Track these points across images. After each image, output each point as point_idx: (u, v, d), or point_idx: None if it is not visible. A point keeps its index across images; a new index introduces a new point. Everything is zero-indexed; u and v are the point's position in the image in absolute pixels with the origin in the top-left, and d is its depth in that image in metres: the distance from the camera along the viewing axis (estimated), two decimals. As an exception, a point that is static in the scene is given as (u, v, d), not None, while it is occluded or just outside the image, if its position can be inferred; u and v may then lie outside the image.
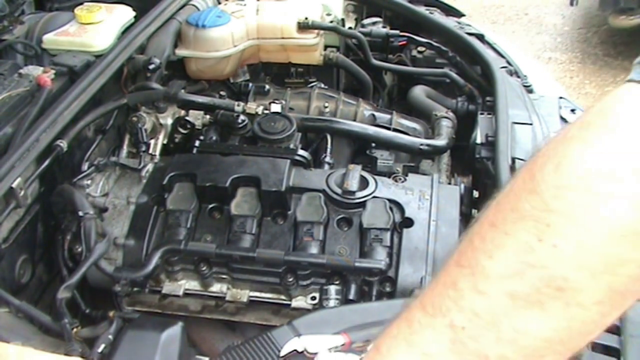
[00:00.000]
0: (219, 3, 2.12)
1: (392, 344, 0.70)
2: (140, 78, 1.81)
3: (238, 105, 1.73)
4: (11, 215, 1.39)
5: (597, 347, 1.15)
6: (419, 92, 2.04)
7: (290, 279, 1.42)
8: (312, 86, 2.14)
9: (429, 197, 1.49)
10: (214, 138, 1.74)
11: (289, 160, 1.54)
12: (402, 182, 1.55)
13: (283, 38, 1.98)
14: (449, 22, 2.26)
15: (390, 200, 1.48)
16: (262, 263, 1.41)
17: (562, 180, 0.62)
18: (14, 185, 1.33)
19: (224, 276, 1.48)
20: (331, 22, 2.13)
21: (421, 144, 1.73)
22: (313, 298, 1.44)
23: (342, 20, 2.32)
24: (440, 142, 1.75)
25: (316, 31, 2.00)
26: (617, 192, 0.61)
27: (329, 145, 1.74)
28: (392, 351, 0.69)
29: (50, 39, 1.80)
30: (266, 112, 1.72)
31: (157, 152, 1.71)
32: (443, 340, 0.65)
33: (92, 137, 1.67)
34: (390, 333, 0.71)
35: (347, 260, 1.38)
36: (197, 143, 1.66)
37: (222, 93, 1.95)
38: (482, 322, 0.64)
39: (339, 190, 1.49)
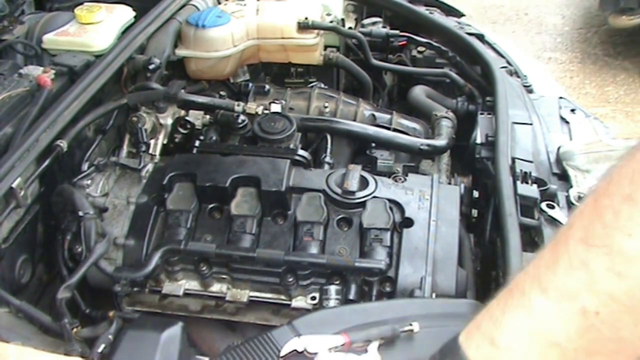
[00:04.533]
0: (219, 3, 2.13)
1: (513, 336, 0.63)
2: (140, 78, 1.81)
3: (238, 105, 1.72)
4: (11, 215, 1.39)
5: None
6: (419, 92, 2.04)
7: (290, 279, 1.42)
8: (312, 86, 2.14)
9: (429, 197, 1.49)
10: (214, 138, 1.74)
11: (289, 160, 1.54)
12: (402, 182, 1.55)
13: (283, 38, 1.98)
14: (449, 22, 2.27)
15: (390, 200, 1.48)
16: (262, 263, 1.41)
17: None
18: (14, 185, 1.33)
19: (224, 276, 1.48)
20: (331, 22, 2.13)
21: (421, 144, 1.73)
22: (313, 298, 1.43)
23: (342, 20, 2.33)
24: (440, 142, 1.75)
25: (316, 31, 2.00)
26: None
27: (329, 145, 1.74)
28: (515, 345, 0.63)
29: (50, 39, 1.80)
30: (266, 112, 1.72)
31: (157, 152, 1.71)
32: (573, 327, 0.60)
33: (92, 137, 1.67)
34: (508, 323, 0.64)
35: (347, 260, 1.38)
36: (197, 143, 1.66)
37: (222, 93, 1.94)
38: (620, 307, 0.58)
39: (339, 190, 1.49)
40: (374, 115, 1.91)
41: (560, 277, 0.61)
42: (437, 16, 2.29)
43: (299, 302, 1.45)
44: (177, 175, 1.53)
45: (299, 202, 1.49)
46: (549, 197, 1.47)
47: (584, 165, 1.53)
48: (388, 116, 1.89)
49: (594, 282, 0.59)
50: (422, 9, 2.32)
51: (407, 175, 1.59)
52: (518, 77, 2.01)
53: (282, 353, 1.10)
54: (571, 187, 1.50)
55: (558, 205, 1.46)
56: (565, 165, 1.56)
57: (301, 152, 1.62)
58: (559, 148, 1.61)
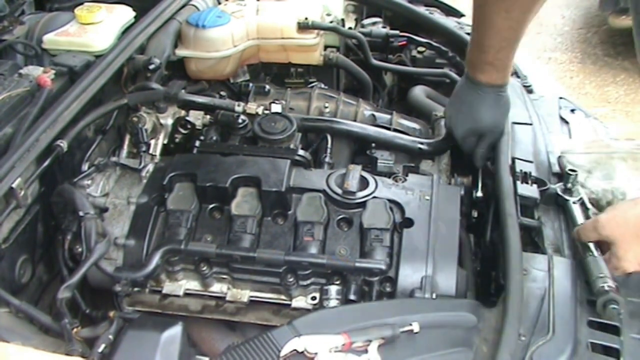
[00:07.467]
0: (219, 3, 2.13)
1: None
2: (140, 78, 1.81)
3: (238, 105, 1.73)
4: (11, 215, 1.39)
5: (597, 347, 1.15)
6: (419, 92, 2.04)
7: (291, 279, 1.42)
8: (312, 86, 2.14)
9: (429, 197, 1.49)
10: (214, 138, 1.74)
11: (289, 161, 1.54)
12: (402, 182, 1.55)
13: (283, 38, 1.98)
14: (449, 22, 2.27)
15: (390, 201, 1.48)
16: (262, 263, 1.41)
17: None
18: (14, 185, 1.33)
19: (224, 276, 1.48)
20: (331, 22, 2.13)
21: (421, 144, 1.73)
22: (313, 298, 1.43)
23: (342, 20, 2.33)
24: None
25: (316, 31, 2.00)
26: None
27: (329, 146, 1.74)
28: None
29: (50, 39, 1.80)
30: (266, 112, 1.72)
31: (158, 152, 1.71)
32: None
33: (92, 137, 1.67)
34: None
35: (347, 261, 1.38)
36: (197, 143, 1.66)
37: (222, 93, 1.94)
38: None
39: (339, 191, 1.49)
40: (374, 115, 1.91)
41: None
42: (437, 16, 2.30)
43: (299, 302, 1.45)
44: (177, 175, 1.53)
45: (299, 202, 1.49)
46: (549, 197, 1.47)
47: (585, 165, 1.53)
48: (388, 116, 1.89)
49: None
50: (422, 9, 2.32)
51: (407, 176, 1.59)
52: (518, 77, 2.01)
53: (282, 353, 1.10)
54: (571, 187, 1.50)
55: (558, 205, 1.45)
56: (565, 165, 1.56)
57: (301, 152, 1.62)
58: (560, 155, 1.60)
